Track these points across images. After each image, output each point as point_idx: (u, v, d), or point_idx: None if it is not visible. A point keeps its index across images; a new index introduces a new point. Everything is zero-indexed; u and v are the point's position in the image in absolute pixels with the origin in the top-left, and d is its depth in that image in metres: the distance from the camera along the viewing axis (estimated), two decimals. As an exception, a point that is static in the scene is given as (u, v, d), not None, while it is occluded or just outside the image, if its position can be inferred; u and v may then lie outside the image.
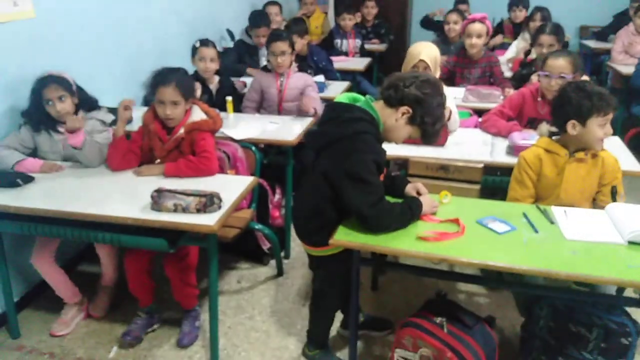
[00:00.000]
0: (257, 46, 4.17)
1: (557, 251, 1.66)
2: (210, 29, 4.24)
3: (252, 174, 2.65)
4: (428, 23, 5.49)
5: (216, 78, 3.28)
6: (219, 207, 1.98)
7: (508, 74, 3.93)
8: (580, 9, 5.98)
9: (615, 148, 2.43)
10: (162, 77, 2.29)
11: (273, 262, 2.92)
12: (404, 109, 1.80)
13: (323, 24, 5.56)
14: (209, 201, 1.95)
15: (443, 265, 2.69)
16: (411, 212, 1.79)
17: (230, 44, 4.40)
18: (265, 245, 2.91)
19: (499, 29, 5.53)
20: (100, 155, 2.38)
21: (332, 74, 4.02)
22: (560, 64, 2.48)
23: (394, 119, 1.82)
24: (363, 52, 5.00)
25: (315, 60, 4.01)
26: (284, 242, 2.99)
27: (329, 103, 1.95)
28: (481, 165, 2.39)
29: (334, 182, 1.79)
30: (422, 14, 5.61)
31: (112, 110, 2.61)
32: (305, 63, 3.91)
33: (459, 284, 2.76)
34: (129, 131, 2.48)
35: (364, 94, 1.99)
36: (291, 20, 4.20)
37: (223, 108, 3.06)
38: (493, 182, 2.46)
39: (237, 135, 2.73)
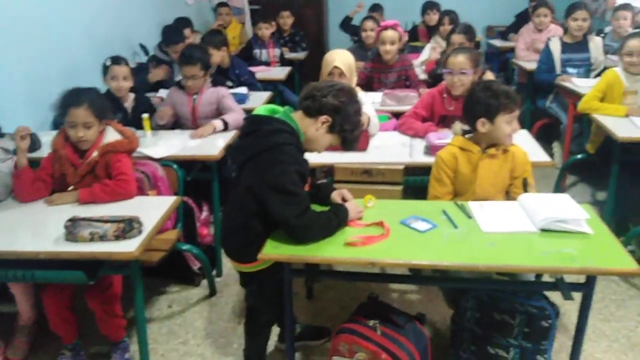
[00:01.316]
0: (172, 61, 4.06)
1: (476, 244, 1.73)
2: (122, 44, 4.08)
3: (175, 193, 2.57)
4: (347, 25, 5.59)
5: (131, 96, 3.16)
6: (139, 232, 1.90)
7: (423, 76, 4.08)
8: (486, 10, 6.35)
9: (524, 141, 2.58)
10: (73, 98, 2.18)
11: (205, 282, 2.84)
12: (323, 118, 1.82)
13: (240, 34, 5.52)
14: (127, 226, 1.87)
15: (375, 267, 2.74)
16: (337, 219, 1.80)
17: (144, 59, 4.26)
18: (196, 265, 2.82)
19: (414, 33, 5.76)
20: (5, 185, 2.21)
21: (254, 87, 3.98)
22: (460, 61, 2.63)
23: (314, 128, 1.84)
24: (283, 61, 5.00)
25: (237, 74, 3.96)
26: (214, 260, 2.92)
27: (248, 116, 1.94)
28: (402, 167, 2.46)
29: (259, 195, 1.77)
30: (339, 21, 5.72)
31: (16, 137, 2.45)
32: (224, 76, 3.86)
33: (391, 284, 2.81)
34: (37, 157, 2.33)
35: (287, 103, 1.99)
36: (207, 32, 4.13)
37: (140, 126, 2.95)
38: (414, 182, 2.54)
39: (156, 154, 2.64)
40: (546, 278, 2.07)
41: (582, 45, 3.92)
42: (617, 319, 2.53)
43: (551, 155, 4.17)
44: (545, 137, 4.35)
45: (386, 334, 1.81)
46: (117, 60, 3.06)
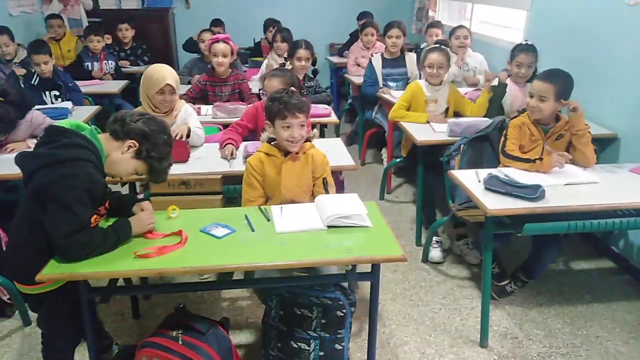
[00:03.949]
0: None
1: (268, 245, 1.82)
2: None
3: (-29, 218, 2.35)
4: (190, 45, 5.54)
5: None
6: None
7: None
8: (330, 28, 6.76)
9: (336, 148, 2.82)
10: None
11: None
12: (130, 142, 1.83)
13: (76, 47, 5.23)
14: None
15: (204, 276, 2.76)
16: (116, 235, 1.77)
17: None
18: (5, 295, 2.59)
19: (257, 48, 5.91)
20: None
21: (79, 102, 3.79)
22: (273, 84, 2.82)
23: (119, 152, 1.84)
24: (120, 74, 4.83)
25: (64, 80, 3.74)
26: (28, 286, 2.70)
27: (49, 126, 1.86)
28: (219, 176, 2.50)
29: (42, 203, 1.68)
30: (186, 36, 5.66)
31: None
32: (51, 86, 3.64)
33: (223, 292, 2.83)
34: None
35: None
36: (31, 43, 3.85)
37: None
38: (235, 190, 2.59)
39: (-56, 176, 2.39)
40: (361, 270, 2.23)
41: (399, 60, 4.32)
42: (425, 304, 2.80)
43: (381, 160, 4.54)
44: (377, 145, 4.74)
45: (188, 343, 1.82)
46: None
